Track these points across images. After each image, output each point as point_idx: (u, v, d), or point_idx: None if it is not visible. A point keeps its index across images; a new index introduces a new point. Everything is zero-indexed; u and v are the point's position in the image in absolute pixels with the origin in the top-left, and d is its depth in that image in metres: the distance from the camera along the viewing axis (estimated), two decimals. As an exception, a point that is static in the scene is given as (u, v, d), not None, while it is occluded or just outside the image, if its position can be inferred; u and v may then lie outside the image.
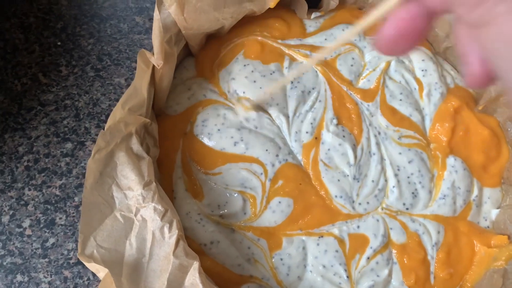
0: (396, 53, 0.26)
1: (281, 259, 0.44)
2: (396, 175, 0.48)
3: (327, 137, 0.49)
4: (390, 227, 0.47)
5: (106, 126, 0.41)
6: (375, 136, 0.50)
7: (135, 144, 0.41)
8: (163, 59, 0.43)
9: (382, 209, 0.47)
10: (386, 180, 0.48)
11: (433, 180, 0.49)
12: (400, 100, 0.51)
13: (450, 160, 0.49)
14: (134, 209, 0.39)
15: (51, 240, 0.50)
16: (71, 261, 0.49)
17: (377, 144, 0.49)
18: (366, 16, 0.30)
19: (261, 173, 0.47)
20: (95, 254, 0.37)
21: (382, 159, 0.49)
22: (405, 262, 0.46)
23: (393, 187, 0.48)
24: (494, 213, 0.49)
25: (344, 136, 0.49)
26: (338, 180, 0.47)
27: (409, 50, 0.26)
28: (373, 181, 0.48)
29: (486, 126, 0.50)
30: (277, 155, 0.47)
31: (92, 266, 0.37)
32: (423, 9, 0.24)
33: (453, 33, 0.26)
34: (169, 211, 0.39)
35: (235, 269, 0.44)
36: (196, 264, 0.38)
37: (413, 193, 0.48)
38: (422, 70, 0.52)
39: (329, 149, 0.48)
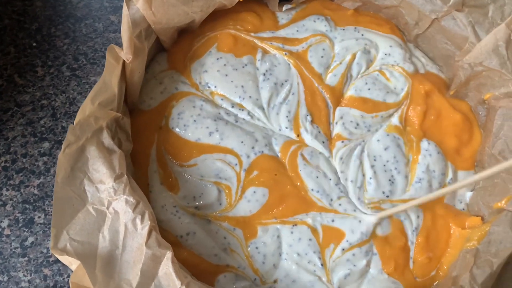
0: None
1: (257, 248, 0.45)
2: (372, 166, 0.48)
3: (307, 138, 0.49)
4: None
5: (76, 120, 0.41)
6: (350, 133, 0.50)
7: (106, 138, 0.42)
8: (132, 53, 0.43)
9: (366, 206, 0.47)
10: (363, 175, 0.48)
11: (408, 165, 0.49)
12: (369, 89, 0.52)
13: (424, 144, 0.50)
14: (106, 202, 0.39)
15: (30, 239, 0.50)
16: (51, 259, 0.49)
17: (354, 137, 0.50)
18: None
19: (236, 164, 0.47)
20: (68, 248, 0.37)
21: (362, 151, 0.49)
22: (386, 252, 0.46)
23: (370, 178, 0.48)
24: (468, 195, 0.49)
25: (323, 142, 0.49)
26: (317, 177, 0.48)
27: None
28: (352, 181, 0.48)
29: (458, 111, 0.51)
30: (253, 147, 0.48)
31: (64, 259, 0.37)
32: None
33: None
34: (141, 203, 0.39)
35: (212, 259, 0.44)
36: (169, 254, 0.38)
37: (389, 180, 0.48)
38: (386, 54, 0.53)
39: (311, 151, 0.49)
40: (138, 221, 0.39)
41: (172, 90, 0.50)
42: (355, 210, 0.47)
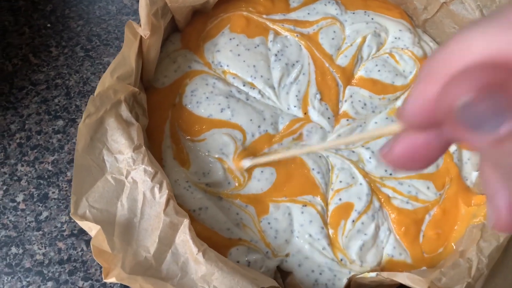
0: (403, 170, 0.24)
1: (269, 223, 0.46)
2: (367, 148, 0.49)
3: (314, 114, 0.50)
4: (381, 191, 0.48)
5: (96, 92, 0.42)
6: (356, 112, 0.51)
7: (125, 111, 0.43)
8: (150, 30, 0.44)
9: (364, 176, 0.48)
10: (358, 155, 0.50)
11: None
12: (378, 71, 0.53)
13: None
14: (125, 171, 0.40)
15: (45, 214, 0.51)
16: (65, 233, 0.50)
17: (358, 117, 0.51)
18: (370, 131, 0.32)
19: (240, 139, 0.48)
20: (88, 214, 0.38)
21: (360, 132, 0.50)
22: (399, 219, 0.47)
23: (370, 158, 0.49)
24: (474, 175, 0.50)
25: (329, 118, 0.50)
26: (310, 154, 0.49)
27: (416, 170, 0.24)
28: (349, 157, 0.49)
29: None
30: (259, 126, 0.49)
31: (84, 224, 0.38)
32: (441, 137, 0.22)
33: (479, 170, 0.25)
34: (159, 172, 0.40)
35: (224, 233, 0.45)
36: (186, 222, 0.39)
37: None
38: (396, 38, 0.54)
39: (312, 127, 0.50)
40: (156, 190, 0.40)
41: (185, 68, 0.51)
42: (353, 178, 0.48)
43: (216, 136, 0.48)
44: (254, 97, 0.51)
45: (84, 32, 0.60)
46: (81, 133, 0.40)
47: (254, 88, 0.51)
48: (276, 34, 0.53)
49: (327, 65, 0.53)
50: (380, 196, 0.48)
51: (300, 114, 0.51)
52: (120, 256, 0.38)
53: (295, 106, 0.51)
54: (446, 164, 0.49)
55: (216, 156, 0.48)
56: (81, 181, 0.39)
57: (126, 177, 0.40)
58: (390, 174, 0.49)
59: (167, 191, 0.40)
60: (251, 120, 0.49)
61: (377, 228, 0.46)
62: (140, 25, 0.45)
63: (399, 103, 0.52)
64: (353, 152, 0.49)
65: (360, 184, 0.48)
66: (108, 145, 0.41)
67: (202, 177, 0.47)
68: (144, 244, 0.39)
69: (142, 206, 0.40)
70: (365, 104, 0.51)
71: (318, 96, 0.51)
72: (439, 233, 0.47)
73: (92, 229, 0.38)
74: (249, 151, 0.48)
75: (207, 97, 0.49)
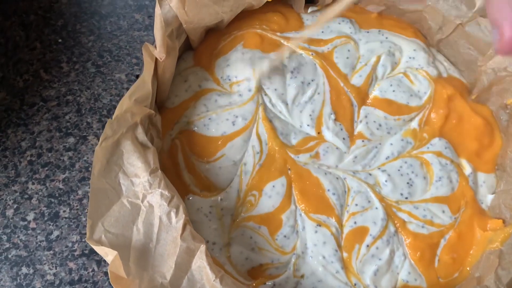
0: None
1: (285, 236, 0.46)
2: (384, 170, 0.49)
3: (328, 135, 0.50)
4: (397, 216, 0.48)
5: (114, 115, 0.41)
6: (371, 133, 0.51)
7: (141, 134, 0.42)
8: (165, 52, 0.44)
9: (380, 201, 0.48)
10: (375, 178, 0.50)
11: (423, 167, 0.50)
12: (393, 91, 0.53)
13: (434, 140, 0.51)
14: (141, 195, 0.40)
15: (56, 233, 0.51)
16: (76, 253, 0.50)
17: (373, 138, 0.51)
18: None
19: (257, 146, 0.48)
20: (103, 239, 0.38)
21: (375, 155, 0.50)
22: (415, 243, 0.47)
23: (386, 181, 0.49)
24: (489, 198, 0.50)
25: (344, 139, 0.50)
26: (328, 173, 0.49)
27: None
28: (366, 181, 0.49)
29: (479, 115, 0.52)
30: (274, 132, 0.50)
31: (100, 250, 0.37)
32: None
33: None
34: (175, 197, 0.40)
35: (245, 265, 0.45)
36: (203, 247, 0.39)
37: (408, 183, 0.49)
38: (410, 58, 0.54)
39: (328, 147, 0.50)
40: (173, 214, 0.39)
41: (195, 88, 0.50)
42: (369, 202, 0.48)
43: (234, 147, 0.48)
44: (265, 104, 0.50)
45: (95, 47, 0.59)
46: (97, 156, 0.40)
47: (265, 95, 0.50)
48: (292, 51, 0.53)
49: (341, 84, 0.52)
50: (395, 221, 0.47)
51: (313, 132, 0.50)
52: (137, 282, 0.37)
53: (308, 125, 0.51)
54: (461, 187, 0.49)
55: (235, 163, 0.48)
56: (97, 204, 0.39)
57: (142, 201, 0.40)
58: (406, 198, 0.49)
59: (183, 215, 0.39)
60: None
61: (392, 253, 0.46)
62: (156, 47, 0.44)
63: (414, 124, 0.51)
64: (370, 175, 0.49)
65: (376, 208, 0.47)
66: (124, 168, 0.41)
67: (219, 201, 0.46)
68: (160, 269, 0.38)
69: (158, 231, 0.39)
70: (380, 125, 0.51)
71: (332, 116, 0.51)
72: (455, 257, 0.47)
73: (108, 254, 0.38)
74: (268, 158, 0.48)
75: (216, 117, 0.49)
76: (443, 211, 0.48)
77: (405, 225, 0.47)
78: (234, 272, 0.44)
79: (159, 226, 0.39)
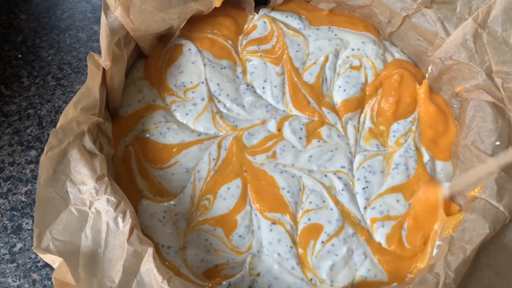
0: None
1: (240, 236, 0.46)
2: (339, 178, 0.50)
3: (287, 131, 0.51)
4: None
5: (58, 124, 0.42)
6: (329, 136, 0.52)
7: (88, 142, 0.43)
8: (110, 60, 0.45)
9: (335, 203, 0.48)
10: (331, 181, 0.50)
11: (384, 161, 0.50)
12: (344, 90, 0.53)
13: (394, 127, 0.52)
14: (88, 202, 0.40)
15: (19, 245, 0.51)
16: (39, 264, 0.50)
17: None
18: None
19: (213, 152, 0.49)
20: (51, 247, 0.38)
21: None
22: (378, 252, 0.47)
23: (342, 190, 0.49)
24: (446, 186, 0.50)
25: (300, 138, 0.51)
26: (284, 172, 0.49)
27: None
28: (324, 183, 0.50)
29: (433, 102, 0.52)
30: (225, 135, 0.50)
31: (47, 258, 0.38)
32: None
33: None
34: (122, 202, 0.40)
35: (199, 268, 0.45)
36: (150, 250, 0.39)
37: (363, 188, 0.49)
38: (359, 49, 0.54)
39: (284, 146, 0.50)
40: (119, 219, 0.40)
41: (149, 101, 0.51)
42: (324, 202, 0.48)
43: (188, 155, 0.49)
44: (220, 111, 0.51)
45: (55, 61, 0.60)
46: (43, 165, 0.40)
47: (219, 102, 0.51)
48: (242, 63, 0.54)
49: (295, 79, 0.53)
50: (357, 230, 0.48)
51: (273, 129, 0.51)
52: (85, 287, 0.38)
53: (278, 102, 0.52)
54: (417, 174, 0.50)
55: (188, 171, 0.48)
56: (44, 214, 0.39)
57: (90, 208, 0.40)
58: (365, 208, 0.49)
59: (130, 220, 0.40)
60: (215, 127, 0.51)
61: (350, 251, 0.46)
62: (101, 56, 0.45)
63: (368, 123, 0.52)
64: (326, 176, 0.49)
65: (331, 209, 0.48)
66: (72, 176, 0.41)
67: (172, 206, 0.47)
68: (109, 274, 0.39)
69: (106, 236, 0.40)
70: (338, 136, 0.52)
71: (293, 111, 0.52)
72: (421, 235, 0.47)
73: (55, 262, 0.38)
74: (225, 162, 0.49)
75: (173, 129, 0.50)
76: (398, 200, 0.49)
77: (368, 234, 0.48)
78: (190, 275, 0.45)
79: (107, 232, 0.40)
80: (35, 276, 0.50)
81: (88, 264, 0.39)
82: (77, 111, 0.43)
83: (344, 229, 0.47)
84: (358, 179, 0.50)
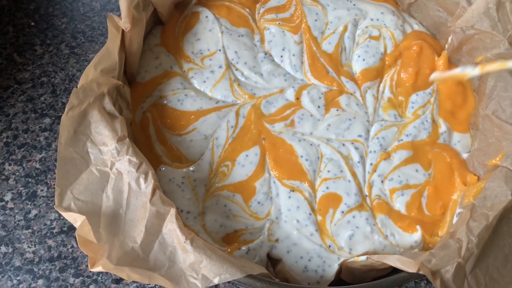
0: None
1: (258, 202, 0.46)
2: (357, 148, 0.49)
3: (305, 100, 0.50)
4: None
5: (79, 84, 0.42)
6: (348, 105, 0.51)
7: (108, 104, 0.42)
8: (130, 22, 0.44)
9: (352, 175, 0.48)
10: (348, 150, 0.50)
11: (397, 132, 0.50)
12: (363, 60, 0.53)
13: (412, 98, 0.51)
14: (109, 163, 0.40)
15: (34, 212, 0.51)
16: (54, 231, 0.50)
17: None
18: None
19: (231, 120, 0.49)
20: (72, 206, 0.38)
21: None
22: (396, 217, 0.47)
23: (358, 162, 0.49)
24: (464, 156, 0.50)
25: (319, 107, 0.50)
26: (302, 140, 0.49)
27: None
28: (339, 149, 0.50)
29: (451, 75, 0.52)
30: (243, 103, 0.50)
31: (69, 216, 0.38)
32: None
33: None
34: (144, 163, 0.40)
35: (219, 233, 0.45)
36: (173, 211, 0.39)
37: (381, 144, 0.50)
38: (378, 19, 0.54)
39: (303, 114, 0.50)
40: (141, 180, 0.39)
41: (167, 67, 0.51)
42: (341, 172, 0.48)
43: (206, 122, 0.48)
44: (238, 79, 0.51)
45: (69, 29, 0.60)
46: (64, 125, 0.40)
47: (236, 70, 0.51)
48: (260, 31, 0.53)
49: (314, 48, 0.52)
50: (374, 203, 0.47)
51: (292, 98, 0.50)
52: (107, 247, 0.37)
53: (297, 71, 0.52)
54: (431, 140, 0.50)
55: (206, 137, 0.48)
56: (65, 173, 0.39)
57: (111, 169, 0.40)
58: (378, 176, 0.48)
59: (153, 181, 0.39)
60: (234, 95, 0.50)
61: (372, 230, 0.46)
62: (121, 18, 0.45)
63: (387, 93, 0.52)
64: (343, 145, 0.49)
65: (349, 181, 0.47)
66: (92, 137, 0.41)
67: (191, 172, 0.47)
68: (131, 234, 0.38)
69: (127, 197, 0.39)
70: (357, 104, 0.51)
71: (312, 80, 0.51)
72: (441, 204, 0.47)
73: (77, 220, 0.38)
74: (243, 130, 0.49)
75: (191, 96, 0.49)
76: (417, 170, 0.48)
77: (387, 207, 0.47)
78: (209, 239, 0.44)
79: (129, 192, 0.39)
80: (50, 242, 0.50)
81: (110, 224, 0.38)
82: (97, 72, 0.43)
83: (364, 209, 0.47)
84: (370, 151, 0.49)
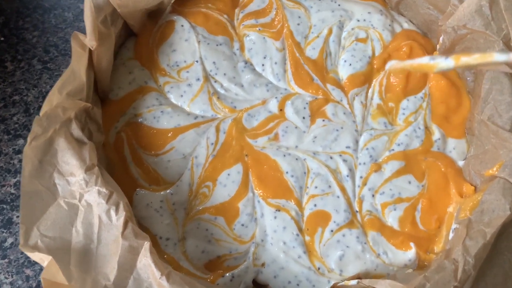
0: None
1: (242, 224, 0.44)
2: (345, 160, 0.47)
3: (289, 111, 0.48)
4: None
5: (42, 111, 0.39)
6: (334, 114, 0.48)
7: (76, 130, 0.40)
8: (96, 40, 0.41)
9: (341, 190, 0.46)
10: (336, 163, 0.47)
11: (388, 142, 0.48)
12: (350, 65, 0.50)
13: (403, 103, 0.49)
14: (78, 194, 0.38)
15: (10, 240, 0.49)
16: (32, 259, 0.48)
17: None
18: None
19: (211, 136, 0.46)
20: (40, 244, 0.36)
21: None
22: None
23: (347, 175, 0.46)
24: (460, 164, 0.47)
25: (304, 118, 0.48)
26: (287, 155, 0.46)
27: None
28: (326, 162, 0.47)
29: (444, 76, 0.49)
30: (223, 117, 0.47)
31: (35, 256, 0.35)
32: None
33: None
34: (114, 193, 0.38)
35: (201, 260, 0.43)
36: (147, 245, 0.36)
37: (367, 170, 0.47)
38: (364, 20, 0.51)
39: (287, 126, 0.47)
40: (112, 212, 0.37)
41: (141, 82, 0.48)
42: (330, 187, 0.45)
43: (185, 140, 0.46)
44: (218, 91, 0.48)
45: (41, 43, 0.57)
46: (27, 156, 0.37)
47: (215, 82, 0.48)
48: (239, 38, 0.50)
49: (297, 54, 0.49)
50: (365, 220, 0.45)
51: (276, 109, 0.48)
52: (78, 286, 0.35)
53: (279, 80, 0.49)
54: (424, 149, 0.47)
55: (185, 157, 0.45)
56: (31, 208, 0.37)
57: (80, 201, 0.37)
58: (369, 190, 0.46)
59: (124, 212, 0.37)
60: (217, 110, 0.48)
61: (363, 249, 0.43)
62: (87, 36, 0.42)
63: (376, 99, 0.49)
64: (331, 158, 0.46)
65: (338, 197, 0.45)
66: (59, 167, 0.38)
67: (169, 195, 0.44)
68: (103, 271, 0.36)
69: (98, 231, 0.37)
70: (344, 113, 0.48)
71: (295, 89, 0.49)
72: (436, 217, 0.45)
73: (44, 260, 0.35)
74: (224, 146, 0.46)
75: (167, 112, 0.47)
76: (409, 182, 0.46)
77: (379, 222, 0.45)
78: (190, 267, 0.42)
79: (99, 226, 0.37)
80: (28, 272, 0.47)
81: (81, 261, 0.36)
82: (62, 96, 0.40)
83: (355, 226, 0.44)
84: (360, 163, 0.46)
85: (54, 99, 0.40)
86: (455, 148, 0.48)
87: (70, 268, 0.36)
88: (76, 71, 0.42)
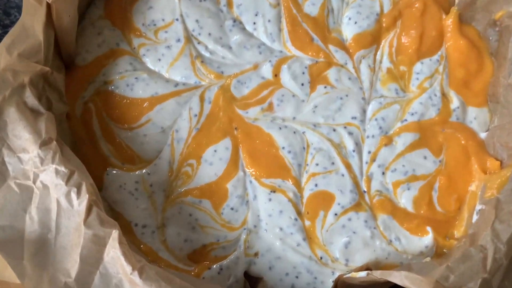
0: None
1: (232, 208, 0.39)
2: (350, 133, 0.42)
3: (285, 77, 0.42)
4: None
5: (-14, 75, 0.33)
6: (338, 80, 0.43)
7: (30, 98, 0.34)
8: (53, -10, 0.35)
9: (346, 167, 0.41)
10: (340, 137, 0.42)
11: (400, 111, 0.42)
12: (355, 23, 0.44)
13: (417, 67, 0.43)
14: (32, 174, 0.32)
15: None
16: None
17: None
18: None
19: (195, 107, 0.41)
20: (-16, 235, 0.30)
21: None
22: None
23: (353, 150, 0.41)
24: (483, 136, 0.42)
25: (302, 84, 0.42)
26: (283, 127, 0.41)
27: None
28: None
29: (463, 36, 0.43)
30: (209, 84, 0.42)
31: (-22, 250, 0.30)
32: None
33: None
34: (76, 172, 0.32)
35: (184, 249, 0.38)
36: (115, 234, 0.31)
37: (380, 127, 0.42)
38: None
39: (283, 95, 0.42)
40: (73, 195, 0.32)
41: (112, 45, 0.42)
42: (333, 164, 0.41)
43: (163, 111, 0.41)
44: (202, 54, 0.43)
45: (0, 4, 0.50)
46: (-31, 130, 0.31)
47: (199, 43, 0.43)
48: None
49: (294, 11, 0.43)
50: (374, 201, 0.40)
51: (269, 75, 0.42)
52: (32, 285, 0.30)
53: (274, 41, 0.43)
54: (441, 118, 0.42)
55: (163, 130, 0.40)
56: (-26, 192, 0.31)
57: (34, 182, 0.32)
58: (379, 166, 0.41)
59: (87, 195, 0.32)
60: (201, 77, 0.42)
61: (372, 234, 0.39)
62: (42, -16, 0.35)
63: (385, 62, 0.44)
64: (334, 130, 0.41)
65: (342, 175, 0.40)
66: (9, 141, 0.33)
67: (146, 175, 0.39)
68: (63, 266, 0.32)
69: (57, 218, 0.32)
70: (349, 78, 0.43)
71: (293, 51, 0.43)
72: (455, 197, 0.40)
73: (-13, 256, 0.30)
74: (209, 118, 0.41)
75: (143, 79, 0.41)
76: (425, 157, 0.41)
77: (390, 204, 0.40)
78: (171, 259, 0.37)
79: (58, 212, 0.32)
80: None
81: (36, 254, 0.31)
82: (12, 57, 0.34)
83: (362, 209, 0.40)
84: (368, 136, 0.41)
85: (1, 60, 0.33)
86: (476, 118, 0.43)
87: (23, 263, 0.31)
88: (29, 27, 0.36)
